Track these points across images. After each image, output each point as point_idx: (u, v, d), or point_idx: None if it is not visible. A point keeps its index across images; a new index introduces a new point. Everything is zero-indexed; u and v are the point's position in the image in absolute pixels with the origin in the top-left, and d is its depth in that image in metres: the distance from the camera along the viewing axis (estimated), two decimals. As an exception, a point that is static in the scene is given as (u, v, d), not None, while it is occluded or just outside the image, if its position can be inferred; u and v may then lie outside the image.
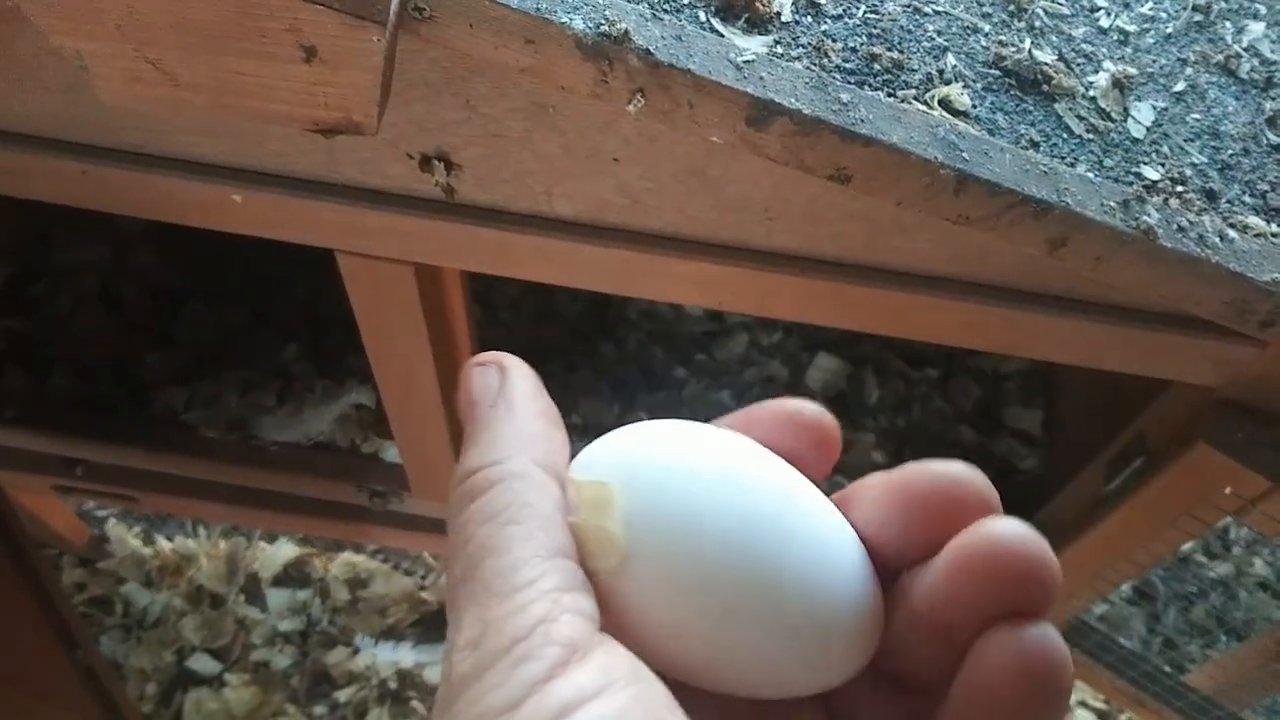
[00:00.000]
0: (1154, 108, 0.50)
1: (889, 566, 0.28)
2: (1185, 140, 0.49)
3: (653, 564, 0.27)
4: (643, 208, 0.55)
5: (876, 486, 0.28)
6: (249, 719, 1.21)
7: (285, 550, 1.31)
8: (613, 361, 1.09)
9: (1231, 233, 0.46)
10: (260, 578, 1.30)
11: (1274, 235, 0.47)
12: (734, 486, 0.27)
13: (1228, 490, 0.60)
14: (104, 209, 0.60)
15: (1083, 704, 1.16)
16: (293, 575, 1.30)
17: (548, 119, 0.50)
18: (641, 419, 0.29)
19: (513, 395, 0.29)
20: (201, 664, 1.24)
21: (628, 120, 0.49)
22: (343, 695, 1.23)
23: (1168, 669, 1.17)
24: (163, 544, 1.32)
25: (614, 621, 0.27)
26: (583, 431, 0.99)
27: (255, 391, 1.00)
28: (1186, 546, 1.34)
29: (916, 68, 0.46)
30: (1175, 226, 0.44)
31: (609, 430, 0.30)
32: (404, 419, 0.81)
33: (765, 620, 0.26)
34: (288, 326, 1.06)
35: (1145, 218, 0.44)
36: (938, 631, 0.26)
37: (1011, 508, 0.25)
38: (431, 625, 1.27)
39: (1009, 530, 0.25)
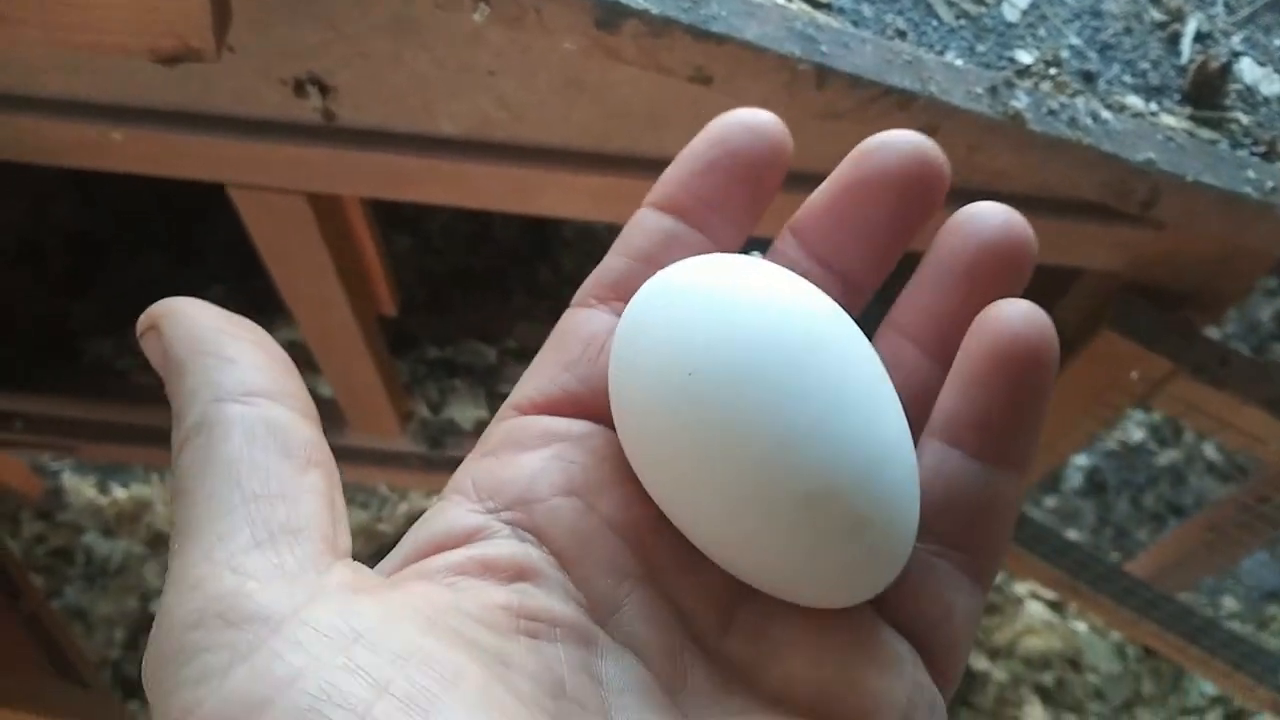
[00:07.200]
0: (1032, -10, 0.49)
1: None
2: (1063, 22, 0.48)
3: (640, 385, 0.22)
4: (527, 121, 0.54)
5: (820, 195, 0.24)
6: (215, 659, 1.22)
7: (241, 492, 1.31)
8: (550, 284, 1.08)
9: (1106, 113, 0.45)
10: (218, 520, 1.30)
11: (1152, 114, 0.47)
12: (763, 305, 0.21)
13: (1135, 375, 0.60)
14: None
15: (1034, 596, 1.18)
16: (250, 515, 1.30)
17: (413, 34, 0.49)
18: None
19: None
20: (165, 608, 1.25)
21: (495, 31, 0.48)
22: (307, 630, 1.24)
23: (1112, 556, 1.19)
24: (118, 492, 1.31)
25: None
26: (519, 356, 0.99)
27: (185, 335, 0.99)
28: (1138, 436, 1.36)
29: (779, -40, 0.45)
30: (1045, 110, 0.44)
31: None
32: (327, 354, 0.80)
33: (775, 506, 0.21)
34: (213, 266, 1.05)
35: (1014, 102, 0.43)
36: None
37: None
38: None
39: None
